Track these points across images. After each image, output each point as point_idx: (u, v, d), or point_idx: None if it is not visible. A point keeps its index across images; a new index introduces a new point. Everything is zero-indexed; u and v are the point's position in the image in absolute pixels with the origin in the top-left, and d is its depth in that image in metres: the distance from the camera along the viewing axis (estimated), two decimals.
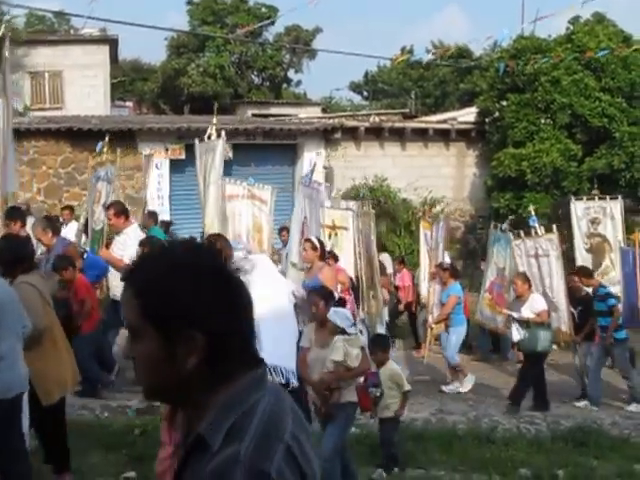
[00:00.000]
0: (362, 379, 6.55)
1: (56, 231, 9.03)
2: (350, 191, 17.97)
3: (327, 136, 18.76)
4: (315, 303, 6.15)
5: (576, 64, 17.71)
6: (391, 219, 18.09)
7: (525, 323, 9.69)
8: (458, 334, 10.95)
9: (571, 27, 19.22)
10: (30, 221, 9.76)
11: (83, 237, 11.40)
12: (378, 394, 6.67)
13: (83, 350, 7.85)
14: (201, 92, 27.55)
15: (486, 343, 12.73)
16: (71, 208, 13.30)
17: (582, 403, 10.02)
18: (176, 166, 17.48)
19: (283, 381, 7.15)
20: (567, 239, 13.74)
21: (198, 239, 1.78)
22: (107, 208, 9.39)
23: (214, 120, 10.77)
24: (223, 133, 10.29)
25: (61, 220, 12.13)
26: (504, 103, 18.39)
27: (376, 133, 19.21)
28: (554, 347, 10.83)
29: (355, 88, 40.62)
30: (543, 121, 17.84)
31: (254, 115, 23.45)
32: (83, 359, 7.24)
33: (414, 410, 8.98)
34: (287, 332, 7.34)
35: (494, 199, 17.97)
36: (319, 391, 5.95)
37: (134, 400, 8.10)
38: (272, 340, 7.02)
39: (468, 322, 11.64)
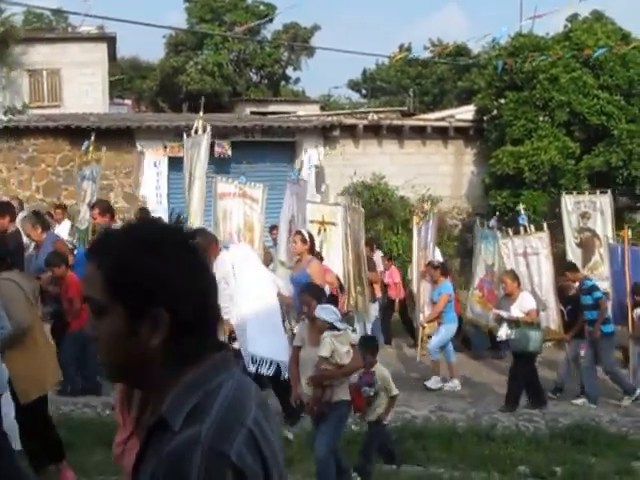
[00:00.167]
0: (357, 377, 6.48)
1: (45, 227, 9.01)
2: (347, 189, 17.97)
3: (325, 134, 18.74)
4: (307, 302, 6.12)
5: (574, 62, 17.68)
6: (388, 217, 18.07)
7: (514, 322, 9.60)
8: (447, 330, 10.98)
9: (569, 25, 19.20)
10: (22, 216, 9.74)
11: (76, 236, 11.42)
12: (372, 393, 6.55)
13: (68, 350, 7.90)
14: (199, 90, 27.53)
15: (482, 340, 12.73)
16: (64, 207, 13.20)
17: (580, 401, 10.05)
18: (174, 164, 17.45)
19: (271, 373, 7.15)
20: (562, 237, 13.76)
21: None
22: (92, 207, 9.38)
23: (200, 114, 10.80)
24: (208, 128, 10.36)
25: (54, 218, 12.10)
26: (502, 101, 18.34)
27: (374, 131, 19.18)
28: (548, 344, 10.86)
29: (353, 86, 40.57)
30: (541, 119, 17.81)
31: (252, 113, 23.42)
32: (65, 360, 7.30)
33: (414, 408, 9.01)
34: (277, 325, 7.36)
35: (492, 197, 17.94)
36: (315, 391, 5.89)
37: None
38: (261, 332, 7.05)
39: (460, 320, 11.65)
